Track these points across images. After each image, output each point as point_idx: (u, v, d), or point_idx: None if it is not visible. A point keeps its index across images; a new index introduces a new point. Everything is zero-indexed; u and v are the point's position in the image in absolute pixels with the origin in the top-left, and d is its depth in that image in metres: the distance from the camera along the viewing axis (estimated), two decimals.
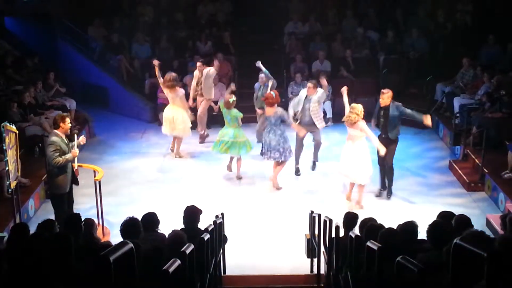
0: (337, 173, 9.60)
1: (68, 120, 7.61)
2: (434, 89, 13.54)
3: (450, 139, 11.60)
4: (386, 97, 9.18)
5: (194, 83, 11.96)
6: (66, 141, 7.61)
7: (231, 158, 10.49)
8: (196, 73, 11.93)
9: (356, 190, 9.32)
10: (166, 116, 11.29)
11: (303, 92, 10.34)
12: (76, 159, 7.78)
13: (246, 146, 10.24)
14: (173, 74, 11.18)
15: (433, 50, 14.52)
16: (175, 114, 11.17)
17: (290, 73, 13.99)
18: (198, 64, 11.96)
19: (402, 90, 13.45)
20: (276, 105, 9.78)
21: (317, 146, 10.62)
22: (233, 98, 10.13)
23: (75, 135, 8.02)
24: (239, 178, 10.46)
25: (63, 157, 7.42)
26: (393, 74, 13.85)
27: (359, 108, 8.91)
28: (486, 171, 9.86)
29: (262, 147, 10.11)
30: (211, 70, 11.73)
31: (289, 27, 15.49)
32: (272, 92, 9.96)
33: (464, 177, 10.15)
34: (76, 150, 7.70)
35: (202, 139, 12.33)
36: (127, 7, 15.85)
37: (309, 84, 10.22)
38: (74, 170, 7.89)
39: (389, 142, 9.21)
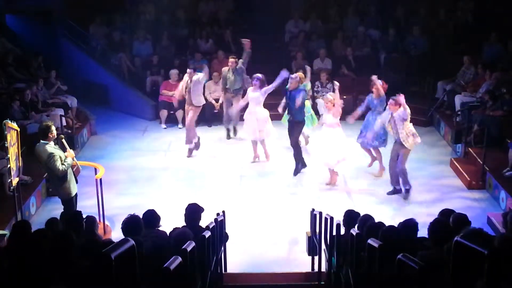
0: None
1: (53, 127, 7.51)
2: (435, 87, 13.53)
3: (451, 137, 11.59)
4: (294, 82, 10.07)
5: (181, 86, 11.33)
6: (58, 147, 7.56)
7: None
8: (186, 78, 11.23)
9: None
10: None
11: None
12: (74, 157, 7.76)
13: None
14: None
15: (434, 48, 14.50)
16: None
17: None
18: (189, 71, 11.23)
19: (403, 88, 13.41)
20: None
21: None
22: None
23: (63, 139, 7.86)
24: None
25: (66, 163, 7.40)
26: (394, 72, 13.83)
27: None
28: (487, 169, 9.85)
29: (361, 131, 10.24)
30: (200, 77, 11.10)
31: (290, 25, 15.49)
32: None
33: (465, 175, 10.14)
34: (71, 151, 7.63)
35: (190, 152, 11.46)
36: (128, 5, 15.85)
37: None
38: (75, 169, 7.87)
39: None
